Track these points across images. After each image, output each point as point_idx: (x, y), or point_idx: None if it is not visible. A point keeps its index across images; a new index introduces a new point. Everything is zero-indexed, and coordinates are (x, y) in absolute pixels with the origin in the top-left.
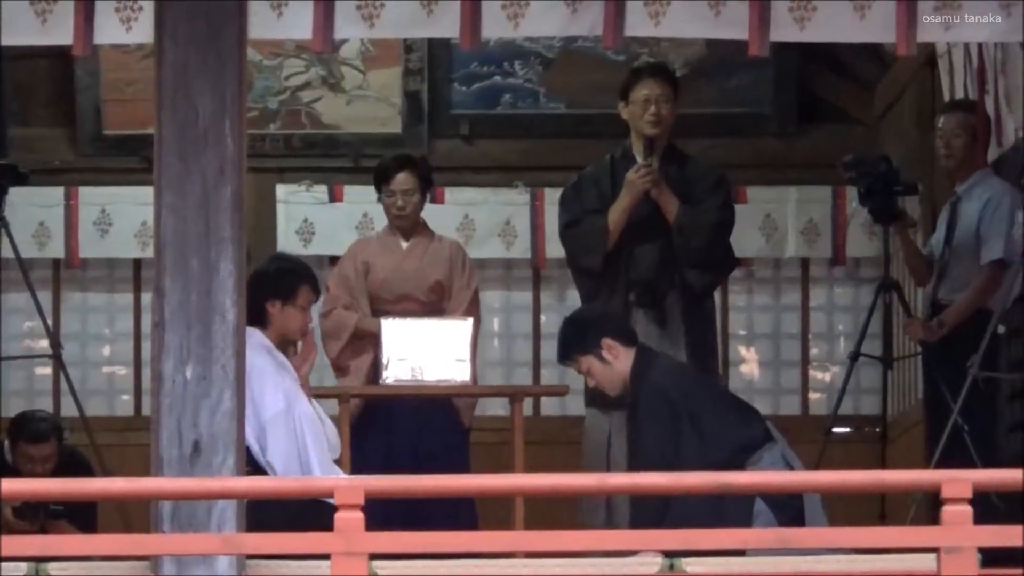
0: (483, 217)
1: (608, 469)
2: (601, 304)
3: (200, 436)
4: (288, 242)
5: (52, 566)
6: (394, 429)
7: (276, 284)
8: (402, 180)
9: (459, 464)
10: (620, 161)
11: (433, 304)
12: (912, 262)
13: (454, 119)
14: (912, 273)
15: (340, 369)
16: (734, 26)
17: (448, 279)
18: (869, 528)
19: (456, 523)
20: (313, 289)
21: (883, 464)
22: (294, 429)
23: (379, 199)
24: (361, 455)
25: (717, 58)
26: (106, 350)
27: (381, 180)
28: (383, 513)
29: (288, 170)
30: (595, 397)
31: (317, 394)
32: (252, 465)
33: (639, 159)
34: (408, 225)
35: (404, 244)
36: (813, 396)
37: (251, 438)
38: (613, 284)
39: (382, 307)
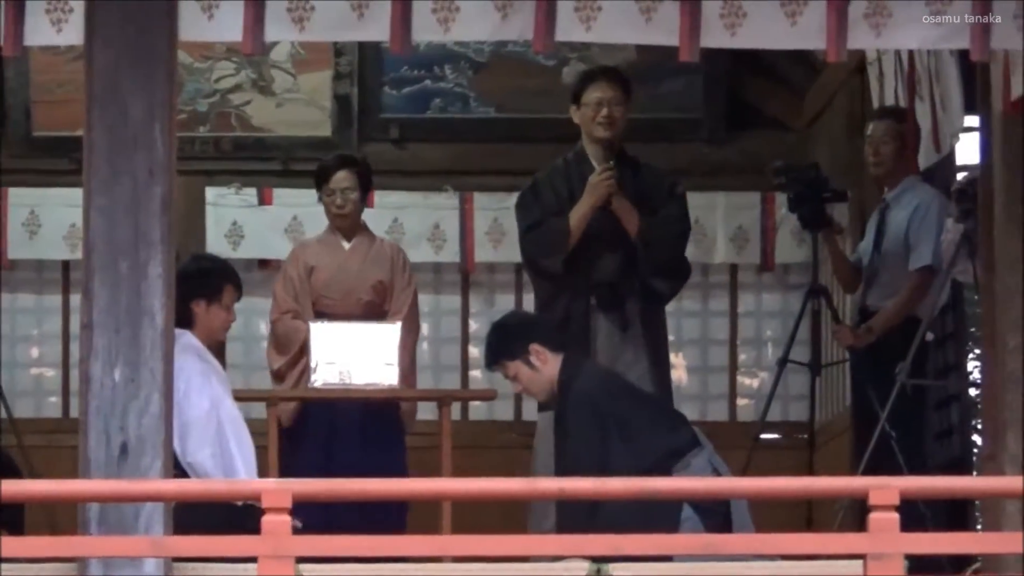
0: (412, 221)
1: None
2: (528, 310)
3: (128, 438)
4: (217, 245)
5: None
6: (336, 435)
7: (201, 284)
8: (341, 178)
9: (400, 469)
10: (574, 164)
11: (375, 304)
12: (839, 268)
13: (384, 123)
14: (839, 279)
15: (278, 376)
16: (665, 31)
17: (390, 279)
18: (796, 534)
19: (384, 528)
20: (236, 287)
21: (811, 470)
22: (216, 431)
23: (319, 199)
24: (302, 460)
25: (647, 64)
26: (34, 351)
27: (321, 180)
28: (317, 518)
29: (217, 173)
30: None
31: (246, 397)
32: (176, 468)
33: (593, 162)
34: (348, 225)
35: (346, 245)
36: (741, 402)
37: (174, 439)
38: (575, 287)
39: (326, 307)
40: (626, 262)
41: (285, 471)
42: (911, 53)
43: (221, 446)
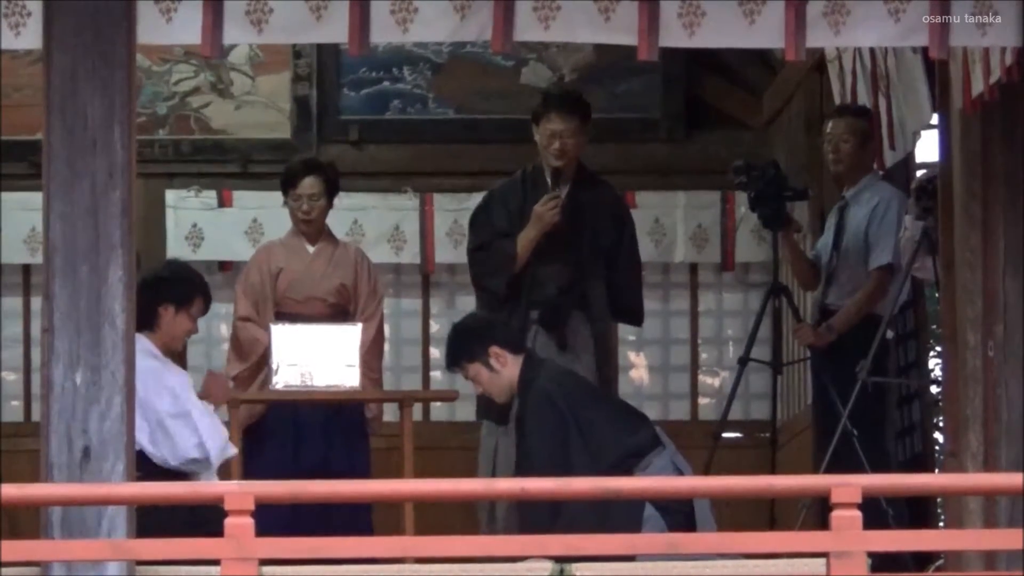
0: (372, 222)
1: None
2: (488, 312)
3: (90, 442)
4: (177, 247)
5: None
6: (301, 435)
7: (173, 289)
8: (308, 184)
9: (364, 469)
10: (530, 179)
11: (339, 306)
12: (798, 267)
13: (343, 124)
14: (798, 278)
15: (236, 382)
16: (624, 31)
17: (353, 283)
18: (759, 533)
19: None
20: (205, 302)
21: (773, 469)
22: (192, 421)
23: (285, 203)
24: (267, 461)
25: (606, 63)
26: None
27: (287, 184)
28: (284, 522)
29: (177, 175)
30: (487, 410)
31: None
32: (145, 468)
33: (548, 180)
34: (314, 230)
35: (311, 248)
36: (702, 401)
37: (144, 440)
38: (515, 303)
39: (289, 309)
40: (570, 280)
41: (250, 473)
42: (872, 51)
43: (200, 436)
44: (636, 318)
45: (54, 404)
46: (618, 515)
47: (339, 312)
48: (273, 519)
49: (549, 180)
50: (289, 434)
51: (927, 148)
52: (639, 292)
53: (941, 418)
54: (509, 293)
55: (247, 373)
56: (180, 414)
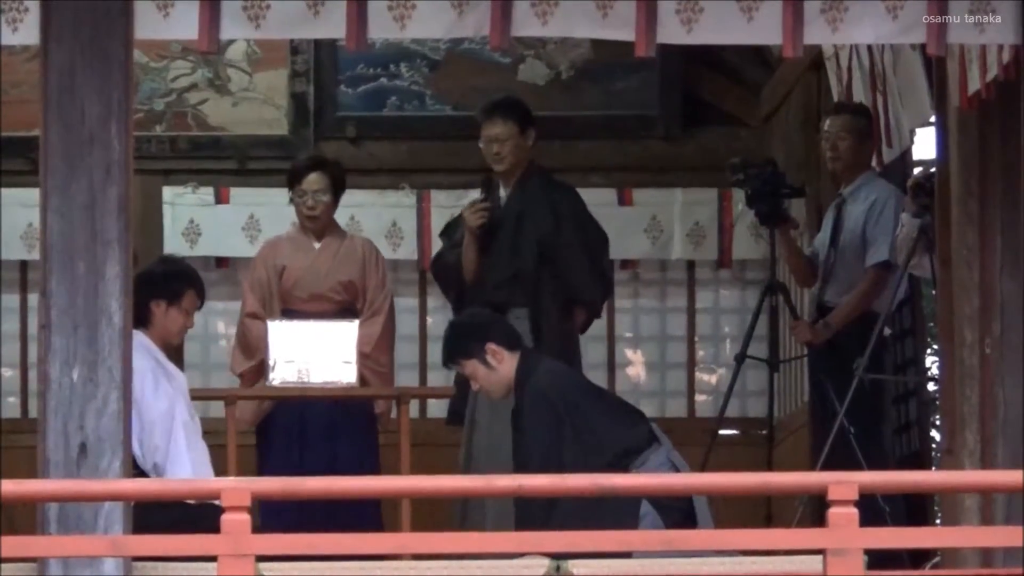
0: (369, 219)
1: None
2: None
3: (87, 438)
4: (174, 244)
5: None
6: (307, 432)
7: (163, 285)
8: (313, 180)
9: (373, 463)
10: (492, 192)
11: (346, 303)
12: (794, 264)
13: (340, 121)
14: (795, 275)
15: (241, 379)
16: (621, 27)
17: (361, 278)
18: (756, 530)
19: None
20: (199, 294)
21: (769, 466)
22: (170, 431)
23: (291, 200)
24: (274, 458)
25: (603, 60)
26: None
27: (293, 181)
28: (290, 518)
29: (174, 172)
30: (451, 415)
31: (204, 396)
32: (135, 469)
33: (500, 191)
34: (319, 226)
35: (316, 244)
36: (699, 398)
37: (133, 440)
38: (470, 303)
39: (295, 307)
40: (500, 282)
41: (260, 470)
42: (869, 48)
43: (178, 447)
44: (590, 310)
45: (51, 400)
46: (614, 512)
47: (346, 310)
48: (279, 517)
49: (501, 188)
50: (295, 433)
51: (924, 145)
52: (587, 283)
53: (938, 415)
54: (462, 296)
55: (254, 370)
56: (168, 421)
